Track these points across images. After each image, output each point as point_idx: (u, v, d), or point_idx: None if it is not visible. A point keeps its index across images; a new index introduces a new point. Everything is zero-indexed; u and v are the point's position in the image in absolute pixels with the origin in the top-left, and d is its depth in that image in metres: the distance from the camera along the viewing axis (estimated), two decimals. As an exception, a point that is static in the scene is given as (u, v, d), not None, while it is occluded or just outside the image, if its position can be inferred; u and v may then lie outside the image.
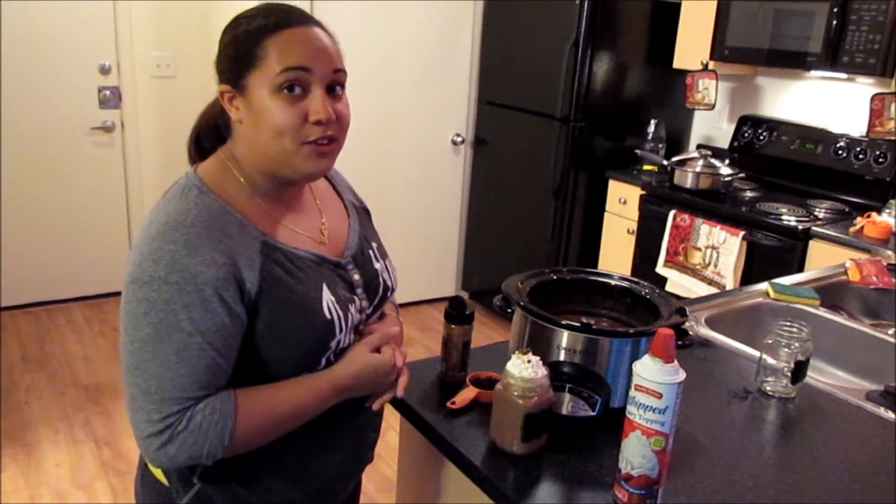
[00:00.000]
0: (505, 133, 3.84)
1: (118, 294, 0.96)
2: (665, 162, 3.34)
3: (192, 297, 0.92)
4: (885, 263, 2.05)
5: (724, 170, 3.18)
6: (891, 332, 1.69)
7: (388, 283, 1.20)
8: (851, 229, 2.70)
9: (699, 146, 3.66)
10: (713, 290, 2.93)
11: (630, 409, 0.96)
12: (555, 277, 1.32)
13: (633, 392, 0.95)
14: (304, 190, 1.12)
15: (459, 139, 4.02)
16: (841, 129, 3.14)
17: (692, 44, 3.34)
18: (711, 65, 3.29)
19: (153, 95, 3.86)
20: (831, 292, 1.96)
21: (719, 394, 1.35)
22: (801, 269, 2.71)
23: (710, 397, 1.33)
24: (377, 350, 1.09)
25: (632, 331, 1.18)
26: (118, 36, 3.70)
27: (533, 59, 3.58)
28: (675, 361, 0.94)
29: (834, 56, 2.80)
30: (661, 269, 3.20)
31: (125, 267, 0.96)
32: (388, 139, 3.82)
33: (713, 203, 3.06)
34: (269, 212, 1.04)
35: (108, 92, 3.76)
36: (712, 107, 3.39)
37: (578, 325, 1.14)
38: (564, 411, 1.16)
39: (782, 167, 3.32)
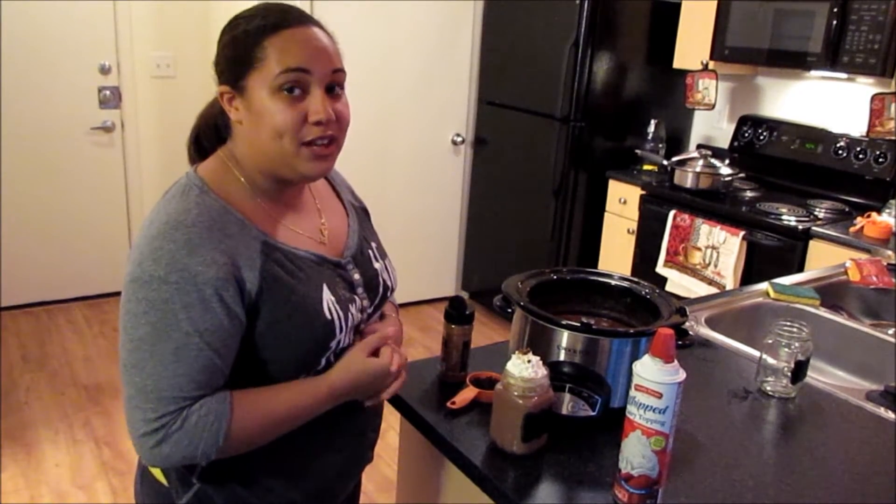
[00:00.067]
0: (505, 133, 3.84)
1: (118, 294, 0.96)
2: (665, 162, 3.34)
3: (191, 296, 0.92)
4: (885, 263, 2.05)
5: (724, 170, 3.18)
6: (891, 332, 1.69)
7: (388, 282, 1.20)
8: (851, 229, 2.70)
9: (699, 146, 3.66)
10: (713, 290, 2.93)
11: (630, 409, 0.96)
12: (555, 277, 1.32)
13: (633, 392, 0.95)
14: (303, 190, 1.12)
15: (459, 139, 4.02)
16: (841, 129, 3.14)
17: (692, 44, 3.34)
18: (711, 65, 3.29)
19: (153, 95, 3.86)
20: (831, 292, 1.96)
21: (719, 394, 1.35)
22: (801, 269, 2.71)
23: (711, 397, 1.33)
24: (376, 352, 1.09)
25: (632, 331, 1.18)
26: (118, 36, 3.70)
27: (533, 59, 3.58)
28: (676, 361, 0.94)
29: (834, 56, 2.80)
30: (661, 269, 3.20)
31: (125, 266, 0.96)
32: (388, 139, 3.82)
33: (713, 203, 3.06)
34: (269, 212, 1.04)
35: (108, 92, 3.76)
36: (712, 107, 3.39)
37: (578, 325, 1.14)
38: (564, 411, 1.16)
39: (782, 167, 3.32)
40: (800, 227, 2.75)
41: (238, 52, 0.98)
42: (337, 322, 1.04)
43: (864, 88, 3.07)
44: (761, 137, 3.39)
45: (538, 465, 1.08)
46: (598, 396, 1.15)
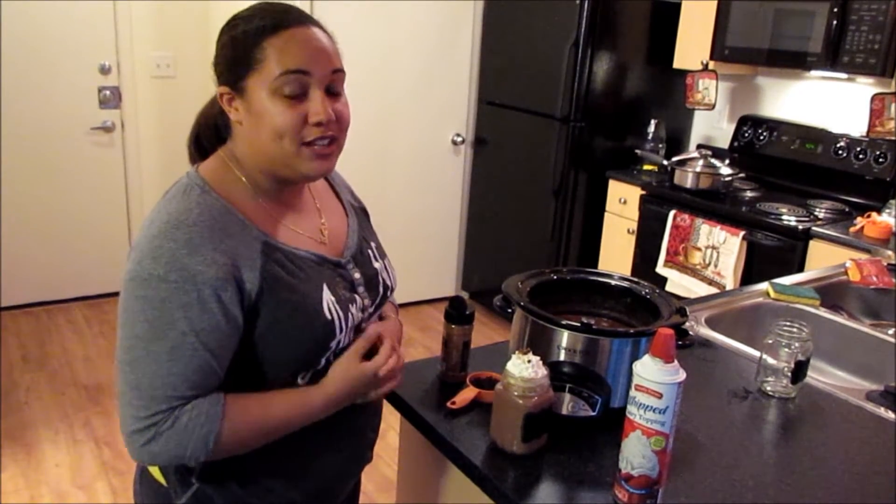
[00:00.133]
0: (505, 133, 3.84)
1: (118, 294, 0.96)
2: (665, 162, 3.34)
3: (189, 296, 0.92)
4: (885, 263, 2.05)
5: (725, 170, 3.18)
6: (891, 332, 1.69)
7: (388, 282, 1.20)
8: (851, 229, 2.70)
9: (699, 146, 3.66)
10: (713, 290, 2.93)
11: (630, 409, 0.96)
12: (555, 277, 1.32)
13: (633, 392, 0.95)
14: (304, 190, 1.12)
15: (459, 139, 4.02)
16: (841, 129, 3.14)
17: (692, 44, 3.34)
18: (711, 65, 3.29)
19: (153, 95, 3.86)
20: (831, 292, 1.96)
21: (719, 394, 1.35)
22: (801, 269, 2.71)
23: (711, 397, 1.33)
24: (370, 351, 1.09)
25: (632, 331, 1.18)
26: (118, 36, 3.70)
27: (533, 59, 3.58)
28: (676, 361, 0.94)
29: (834, 56, 2.80)
30: (661, 269, 3.20)
31: (125, 266, 0.96)
32: (388, 139, 3.82)
33: (713, 203, 3.06)
34: (270, 212, 1.04)
35: (108, 92, 3.76)
36: (712, 107, 3.39)
37: (579, 325, 1.14)
38: (564, 411, 1.16)
39: (782, 167, 3.32)
40: (800, 227, 2.75)
41: (237, 53, 0.98)
42: (337, 322, 1.04)
43: (864, 88, 3.07)
44: (761, 137, 3.39)
45: (538, 466, 1.08)
46: (599, 396, 1.15)
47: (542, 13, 3.49)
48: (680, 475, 1.07)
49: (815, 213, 2.91)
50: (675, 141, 3.75)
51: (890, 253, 2.45)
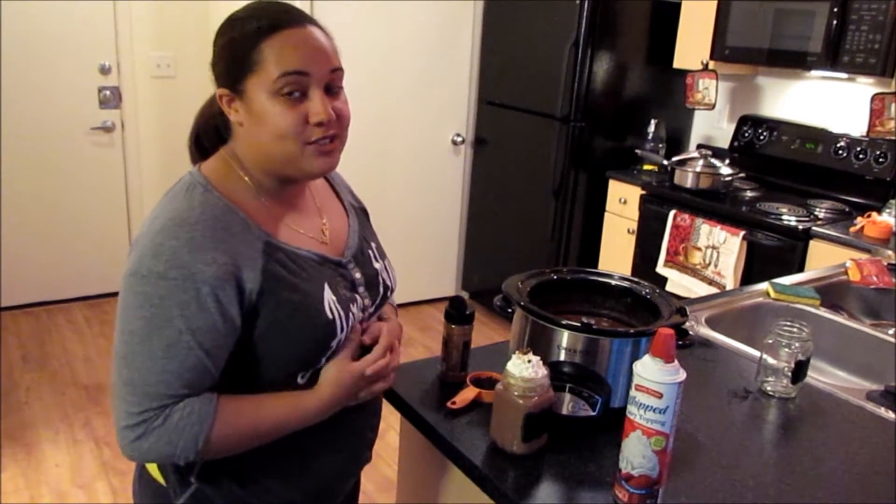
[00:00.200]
0: (505, 133, 3.84)
1: (118, 294, 0.96)
2: (665, 162, 3.34)
3: (188, 294, 0.92)
4: (885, 263, 2.05)
5: (725, 170, 3.17)
6: (891, 332, 1.69)
7: (388, 282, 1.20)
8: (852, 229, 2.70)
9: (699, 146, 3.66)
10: (713, 290, 2.93)
11: (630, 408, 0.96)
12: (555, 277, 1.32)
13: (633, 392, 0.95)
14: (305, 190, 1.12)
15: (459, 139, 4.02)
16: (841, 129, 3.14)
17: (692, 44, 3.34)
18: (711, 65, 3.29)
19: (153, 95, 3.86)
20: (832, 292, 1.96)
21: (720, 394, 1.35)
22: (801, 268, 2.70)
23: (711, 397, 1.33)
24: (365, 351, 1.09)
25: (632, 331, 1.18)
26: (118, 36, 3.70)
27: (533, 59, 3.58)
28: (676, 361, 0.94)
29: (834, 56, 2.80)
30: (661, 268, 3.20)
31: (126, 262, 0.96)
32: (388, 139, 3.82)
33: (713, 203, 3.06)
34: (272, 211, 1.04)
35: (108, 92, 3.76)
36: (712, 107, 3.39)
37: (579, 325, 1.14)
38: (565, 411, 1.16)
39: (782, 167, 3.32)
40: (800, 227, 2.75)
41: (235, 55, 0.98)
42: (338, 322, 1.04)
43: (864, 88, 3.07)
44: (761, 137, 3.38)
45: (538, 465, 1.08)
46: (599, 396, 1.15)
47: (542, 13, 3.49)
48: (680, 475, 1.07)
49: (816, 213, 2.91)
50: (676, 141, 3.75)
51: (890, 253, 2.45)
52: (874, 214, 2.70)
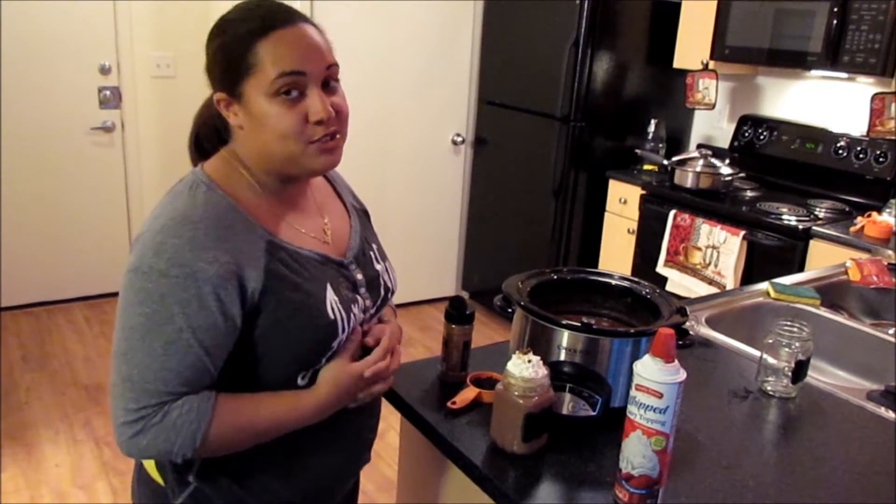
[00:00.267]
0: (505, 133, 3.84)
1: (118, 294, 0.96)
2: (665, 162, 3.34)
3: (189, 292, 0.92)
4: (885, 263, 2.05)
5: (725, 169, 3.17)
6: (891, 331, 1.69)
7: (389, 284, 1.20)
8: (852, 229, 2.70)
9: (699, 146, 3.65)
10: (713, 290, 2.93)
11: (631, 408, 0.96)
12: (555, 277, 1.32)
13: (633, 392, 0.95)
14: (307, 189, 1.12)
15: (459, 139, 4.02)
16: (841, 129, 3.14)
17: (692, 43, 3.34)
18: (712, 64, 3.29)
19: (153, 95, 3.86)
20: (832, 292, 1.96)
21: (720, 393, 1.35)
22: (801, 268, 2.70)
23: (711, 397, 1.33)
24: (364, 353, 1.09)
25: (632, 331, 1.18)
26: (118, 36, 3.70)
27: (533, 59, 3.58)
28: (676, 361, 0.94)
29: (834, 56, 2.80)
30: (661, 268, 3.20)
31: (127, 259, 0.96)
32: (388, 139, 3.82)
33: (713, 203, 3.06)
34: (274, 210, 1.05)
35: (108, 92, 3.76)
36: (712, 106, 3.39)
37: (579, 324, 1.14)
38: (565, 411, 1.16)
39: (783, 167, 3.32)
40: (800, 226, 2.75)
41: (230, 58, 0.97)
42: (340, 322, 1.04)
43: (864, 88, 3.07)
44: (761, 137, 3.38)
45: (539, 465, 1.08)
46: (599, 396, 1.15)
47: (542, 13, 3.49)
48: (681, 475, 1.07)
49: (816, 213, 2.91)
50: (676, 141, 3.75)
51: (890, 252, 2.45)
52: (874, 214, 2.70)
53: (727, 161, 3.30)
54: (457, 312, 1.28)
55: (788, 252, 2.77)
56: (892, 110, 2.79)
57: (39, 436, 2.77)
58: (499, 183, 3.91)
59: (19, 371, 3.23)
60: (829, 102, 3.24)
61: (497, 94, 3.84)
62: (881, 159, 2.95)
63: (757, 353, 1.43)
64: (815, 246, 2.71)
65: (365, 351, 1.10)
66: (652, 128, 3.55)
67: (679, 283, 3.13)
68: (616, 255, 3.51)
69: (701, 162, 3.18)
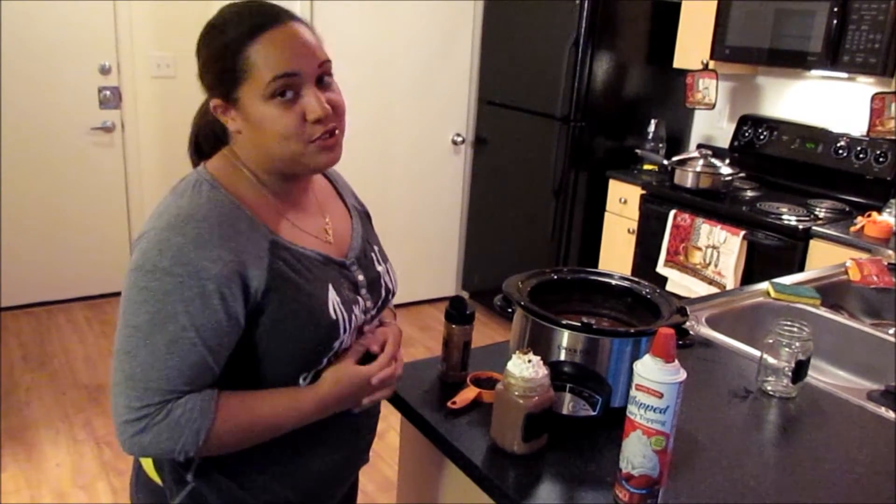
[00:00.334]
0: (505, 133, 3.84)
1: (118, 294, 0.96)
2: (665, 161, 3.34)
3: (192, 291, 0.92)
4: (885, 263, 2.05)
5: (725, 169, 3.17)
6: (891, 331, 1.69)
7: (390, 285, 1.20)
8: (852, 229, 2.70)
9: (699, 146, 3.65)
10: (714, 290, 2.93)
11: (631, 408, 0.96)
12: (555, 277, 1.32)
13: (633, 392, 0.95)
14: (308, 189, 1.12)
15: (459, 139, 4.02)
16: (841, 129, 3.14)
17: (692, 43, 3.34)
18: (712, 64, 3.29)
19: (153, 95, 3.86)
20: (832, 292, 1.96)
21: (720, 393, 1.35)
22: (801, 268, 2.70)
23: (711, 397, 1.33)
24: (366, 357, 1.09)
25: (632, 330, 1.18)
26: (118, 36, 3.70)
27: (533, 59, 3.58)
28: (676, 361, 0.94)
29: (834, 55, 2.80)
30: (661, 268, 3.20)
31: (126, 265, 0.96)
32: (388, 139, 3.82)
33: (713, 203, 3.06)
34: (277, 209, 1.05)
35: (108, 92, 3.76)
36: (712, 106, 3.39)
37: (579, 324, 1.14)
38: (565, 411, 1.16)
39: (783, 167, 3.32)
40: (800, 226, 2.75)
41: (222, 65, 0.97)
42: (341, 322, 1.04)
43: (864, 88, 3.07)
44: (761, 137, 3.38)
45: (539, 465, 1.08)
46: (599, 396, 1.15)
47: (542, 13, 3.49)
48: (681, 475, 1.07)
49: (816, 213, 2.91)
50: (676, 140, 3.75)
51: (890, 252, 2.45)
52: (874, 214, 2.70)
53: (727, 161, 3.30)
54: (457, 312, 1.28)
55: (788, 252, 2.77)
56: (893, 110, 2.79)
57: (40, 436, 2.77)
58: (499, 183, 3.91)
59: (19, 371, 3.23)
60: (829, 102, 3.24)
61: (497, 94, 3.84)
62: (881, 159, 2.95)
63: (757, 353, 1.43)
64: (815, 246, 2.71)
65: (368, 356, 1.10)
66: (652, 128, 3.55)
67: (679, 283, 3.13)
68: (616, 255, 3.51)
69: (701, 162, 3.18)
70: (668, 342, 0.93)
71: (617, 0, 3.34)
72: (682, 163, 3.23)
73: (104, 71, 3.73)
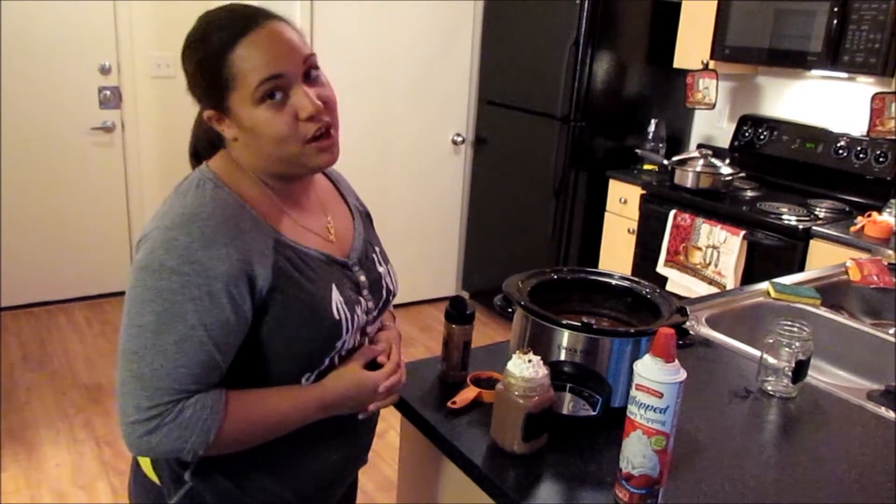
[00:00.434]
0: (505, 133, 3.84)
1: (118, 294, 0.97)
2: (665, 161, 3.34)
3: (200, 290, 0.92)
4: (885, 263, 2.05)
5: (725, 169, 3.17)
6: (891, 331, 1.69)
7: (391, 286, 1.20)
8: (852, 229, 2.70)
9: (699, 146, 3.65)
10: (714, 290, 2.93)
11: (631, 408, 0.96)
12: (555, 277, 1.32)
13: (633, 392, 0.95)
14: (310, 188, 1.12)
15: (460, 139, 4.02)
16: (841, 129, 3.14)
17: (692, 43, 3.34)
18: (712, 64, 3.29)
19: (153, 95, 3.86)
20: (832, 292, 1.96)
21: (720, 393, 1.35)
22: (801, 268, 2.70)
23: (711, 397, 1.33)
24: (371, 364, 1.09)
25: (633, 330, 1.18)
26: (118, 36, 3.70)
27: (533, 59, 3.58)
28: (676, 361, 0.94)
29: (834, 55, 2.80)
30: (661, 268, 3.20)
31: (126, 266, 0.96)
32: (389, 139, 3.82)
33: (714, 202, 3.06)
34: (279, 207, 1.05)
35: (108, 92, 3.76)
36: (713, 106, 3.39)
37: (579, 324, 1.14)
38: (565, 411, 1.16)
39: (783, 167, 3.32)
40: (800, 226, 2.75)
41: (209, 77, 0.97)
42: (344, 323, 1.04)
43: (864, 88, 3.07)
44: (762, 137, 3.38)
45: (539, 465, 1.08)
46: (599, 396, 1.15)
47: (542, 13, 3.49)
48: (681, 475, 1.07)
49: (816, 213, 2.91)
50: (676, 140, 3.75)
51: (890, 252, 2.45)
52: (874, 214, 2.70)
53: (727, 161, 3.30)
54: (457, 312, 1.28)
55: (788, 252, 2.77)
56: (893, 110, 2.79)
57: (40, 435, 2.77)
58: (499, 183, 3.91)
59: (19, 371, 3.23)
60: (830, 102, 3.24)
61: (497, 93, 3.84)
62: (881, 159, 2.95)
63: (757, 352, 1.43)
64: (815, 246, 2.71)
65: (374, 364, 1.11)
66: (652, 128, 3.55)
67: (679, 283, 3.13)
68: (616, 255, 3.51)
69: (701, 162, 3.18)
70: (668, 342, 0.93)
71: (617, 0, 3.34)
72: (683, 163, 3.23)
73: (104, 71, 3.73)
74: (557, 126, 3.46)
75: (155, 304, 0.92)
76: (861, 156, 3.02)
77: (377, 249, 1.21)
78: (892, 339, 1.64)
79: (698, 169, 3.17)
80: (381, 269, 1.18)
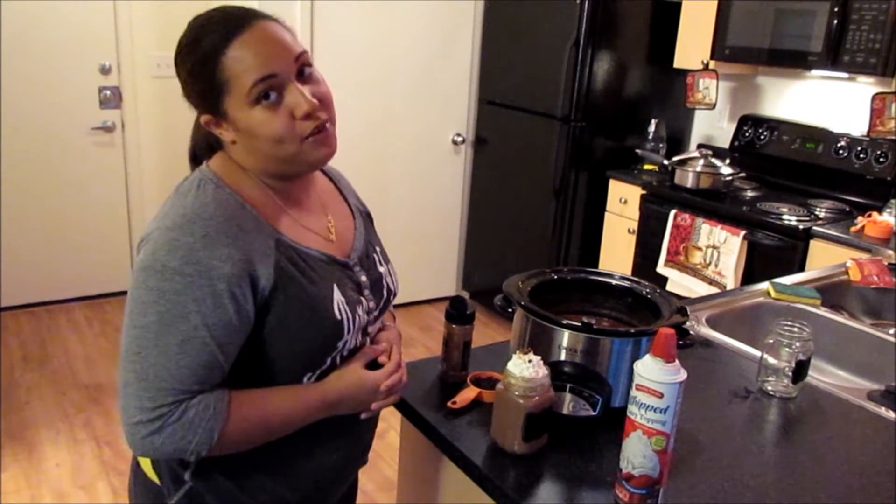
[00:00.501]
0: (505, 133, 3.84)
1: (118, 294, 0.97)
2: (666, 161, 3.34)
3: (203, 290, 0.92)
4: (885, 263, 2.05)
5: (725, 169, 3.17)
6: (892, 331, 1.68)
7: (392, 286, 1.20)
8: (852, 229, 2.70)
9: (700, 146, 3.65)
10: (714, 290, 2.93)
11: (631, 408, 0.96)
12: (555, 277, 1.32)
13: (634, 392, 0.95)
14: (310, 187, 1.13)
15: (460, 139, 4.02)
16: (842, 129, 3.14)
17: (692, 43, 3.34)
18: (712, 64, 3.29)
19: (153, 95, 3.86)
20: (832, 292, 1.96)
21: (720, 393, 1.35)
22: (801, 268, 2.70)
23: (712, 397, 1.33)
24: (373, 363, 1.09)
25: (633, 330, 1.18)
26: (118, 36, 3.70)
27: (533, 59, 3.58)
28: (677, 361, 0.94)
29: (835, 55, 2.80)
30: (661, 268, 3.20)
31: (126, 266, 0.96)
32: (388, 139, 3.82)
33: (714, 203, 3.06)
34: (280, 207, 1.05)
35: (108, 92, 3.76)
36: (713, 106, 3.39)
37: (579, 324, 1.14)
38: (565, 411, 1.16)
39: (783, 167, 3.32)
40: (800, 226, 2.75)
41: (202, 82, 0.97)
42: (346, 322, 1.04)
43: (864, 88, 3.07)
44: (762, 137, 3.38)
45: (539, 465, 1.08)
46: (599, 396, 1.15)
47: (542, 13, 3.49)
48: (681, 475, 1.07)
49: (816, 213, 2.91)
50: (676, 140, 3.75)
51: (891, 252, 2.45)
52: (875, 214, 2.70)
53: (727, 161, 3.30)
54: (457, 312, 1.28)
55: (789, 252, 2.77)
56: (893, 110, 2.79)
57: (40, 435, 2.77)
58: (499, 183, 3.91)
59: (20, 371, 3.23)
60: (830, 102, 3.24)
61: (497, 93, 3.84)
62: (881, 159, 2.95)
63: (757, 353, 1.43)
64: (815, 246, 2.71)
65: (375, 364, 1.11)
66: (652, 128, 3.55)
67: (679, 283, 3.13)
68: (616, 255, 3.51)
69: (701, 162, 3.18)
70: (668, 342, 0.93)
71: (617, 0, 3.34)
72: (683, 163, 3.23)
73: (104, 71, 3.73)
74: (557, 126, 3.46)
75: (157, 304, 0.92)
76: (861, 156, 3.02)
77: (378, 249, 1.21)
78: (892, 339, 1.64)
79: (698, 169, 3.17)
80: (381, 269, 1.18)
